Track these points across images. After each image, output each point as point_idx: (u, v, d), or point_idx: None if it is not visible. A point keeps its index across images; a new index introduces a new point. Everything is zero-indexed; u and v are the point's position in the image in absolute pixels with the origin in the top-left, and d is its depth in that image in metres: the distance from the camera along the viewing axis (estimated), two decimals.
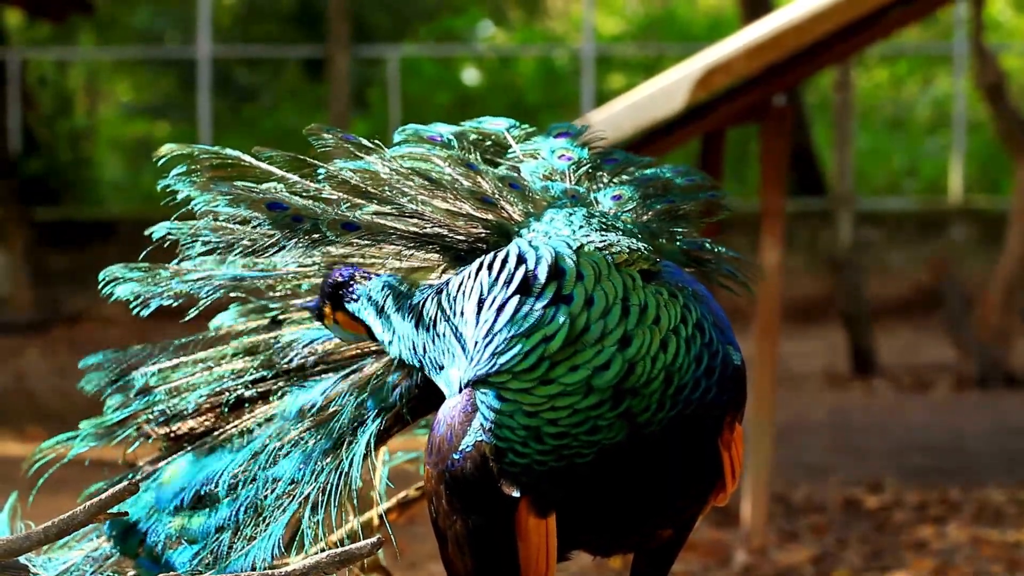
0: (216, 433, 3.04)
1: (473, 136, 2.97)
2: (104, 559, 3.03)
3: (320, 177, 2.77)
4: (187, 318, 2.98)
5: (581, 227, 2.66)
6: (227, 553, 2.86)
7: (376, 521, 3.09)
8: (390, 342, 2.76)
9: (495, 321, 2.54)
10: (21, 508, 3.20)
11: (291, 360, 3.03)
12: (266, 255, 2.82)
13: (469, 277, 2.62)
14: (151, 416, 3.10)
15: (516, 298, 2.53)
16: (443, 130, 2.96)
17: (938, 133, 20.95)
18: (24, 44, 20.92)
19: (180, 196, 2.80)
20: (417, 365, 2.72)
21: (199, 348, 3.10)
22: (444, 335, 2.64)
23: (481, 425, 2.57)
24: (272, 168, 2.79)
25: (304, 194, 2.77)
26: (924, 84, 22.27)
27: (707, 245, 2.96)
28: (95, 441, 3.16)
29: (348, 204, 2.76)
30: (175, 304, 2.93)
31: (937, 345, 13.64)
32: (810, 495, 7.87)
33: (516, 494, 2.58)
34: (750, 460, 6.49)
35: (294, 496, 2.84)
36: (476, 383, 2.56)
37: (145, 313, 2.94)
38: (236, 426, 3.03)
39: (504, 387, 2.52)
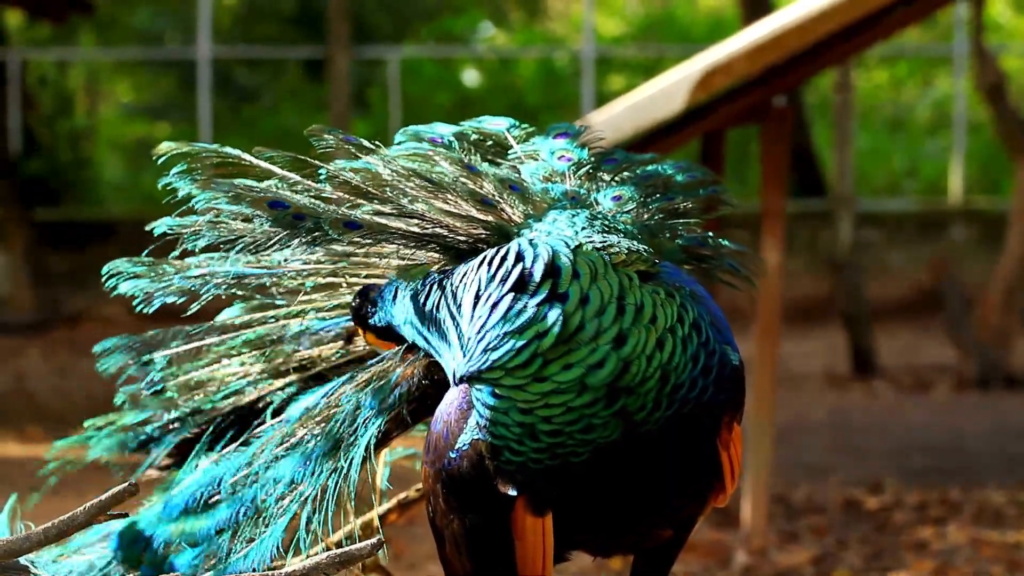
0: (224, 437, 3.05)
1: (474, 136, 2.97)
2: (106, 565, 3.03)
3: (321, 177, 2.77)
4: (188, 314, 2.98)
5: (584, 228, 2.67)
6: (227, 554, 2.86)
7: (376, 522, 3.09)
8: (402, 324, 2.77)
9: (488, 317, 2.54)
10: (22, 509, 3.20)
11: (299, 353, 3.05)
12: (268, 253, 2.82)
13: (472, 270, 2.63)
14: (163, 418, 3.11)
15: (511, 295, 2.54)
16: (444, 131, 2.96)
17: (938, 134, 20.95)
18: (24, 44, 20.92)
19: (181, 194, 2.80)
20: (424, 346, 2.73)
21: (211, 335, 3.10)
22: (444, 322, 2.65)
23: (477, 423, 2.57)
24: (273, 167, 2.79)
25: (305, 193, 2.77)
26: (924, 85, 22.27)
27: (709, 240, 2.96)
28: (108, 445, 3.17)
29: (349, 204, 2.76)
30: (179, 301, 2.92)
31: (937, 346, 13.64)
32: (810, 496, 7.87)
33: (512, 493, 2.58)
34: (750, 461, 6.49)
35: (294, 498, 2.84)
36: (471, 379, 2.56)
37: (149, 310, 2.93)
38: (242, 430, 3.03)
39: (498, 383, 2.53)
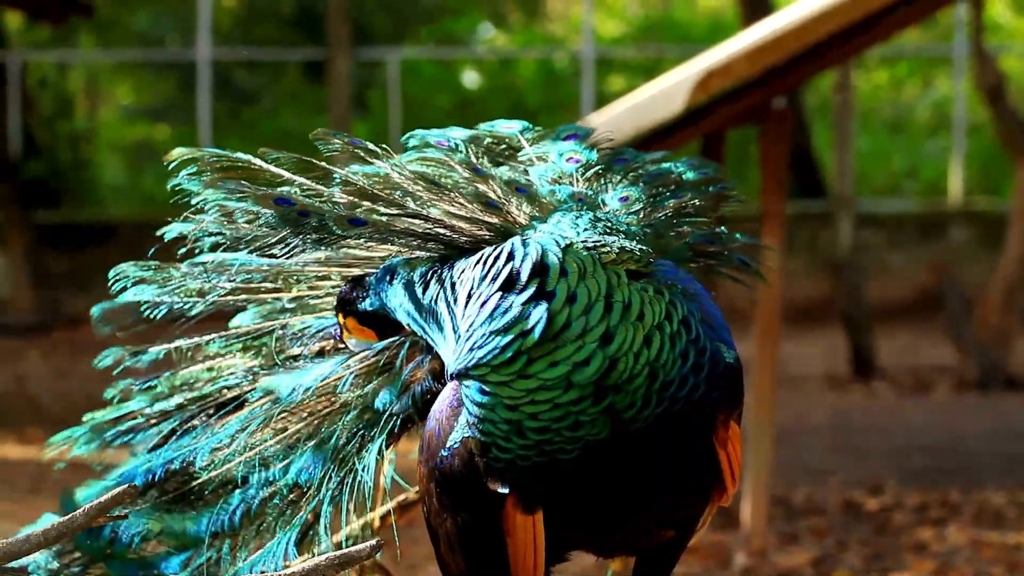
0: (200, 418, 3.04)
1: (488, 140, 2.99)
2: (67, 555, 3.02)
3: (336, 182, 2.77)
4: (193, 320, 2.98)
5: (585, 229, 2.67)
6: (231, 560, 2.86)
7: (376, 523, 3.10)
8: (397, 307, 2.77)
9: (477, 315, 2.56)
10: (21, 511, 3.20)
11: (297, 347, 3.05)
12: (273, 251, 2.83)
13: (468, 267, 2.64)
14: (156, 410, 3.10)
15: (498, 294, 2.55)
16: (458, 134, 2.97)
17: (938, 135, 20.94)
18: (24, 46, 20.92)
19: (189, 195, 2.80)
20: (419, 332, 2.74)
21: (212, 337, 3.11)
22: (442, 317, 2.66)
23: (467, 420, 2.58)
24: (283, 172, 2.79)
25: (316, 199, 2.77)
26: (924, 86, 22.27)
27: (720, 235, 2.96)
28: (97, 438, 3.16)
29: (355, 204, 2.76)
30: (185, 306, 2.92)
31: (937, 347, 13.64)
32: (810, 497, 7.87)
33: (502, 490, 2.58)
34: (750, 461, 6.49)
35: (303, 503, 2.84)
36: (459, 376, 2.58)
37: (157, 316, 2.93)
38: (216, 415, 3.03)
39: (484, 380, 2.54)
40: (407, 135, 2.97)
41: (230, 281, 2.98)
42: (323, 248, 2.88)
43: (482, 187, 2.78)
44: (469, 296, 2.60)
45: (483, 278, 2.60)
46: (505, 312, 2.54)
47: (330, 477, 2.84)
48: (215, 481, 2.91)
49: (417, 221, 2.75)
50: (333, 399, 2.90)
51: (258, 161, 2.80)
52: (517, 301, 2.54)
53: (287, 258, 2.90)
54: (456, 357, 2.59)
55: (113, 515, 2.59)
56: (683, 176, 2.99)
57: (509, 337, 2.52)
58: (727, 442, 2.65)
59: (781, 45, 5.54)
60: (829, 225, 14.65)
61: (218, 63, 20.01)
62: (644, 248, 2.66)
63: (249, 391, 3.02)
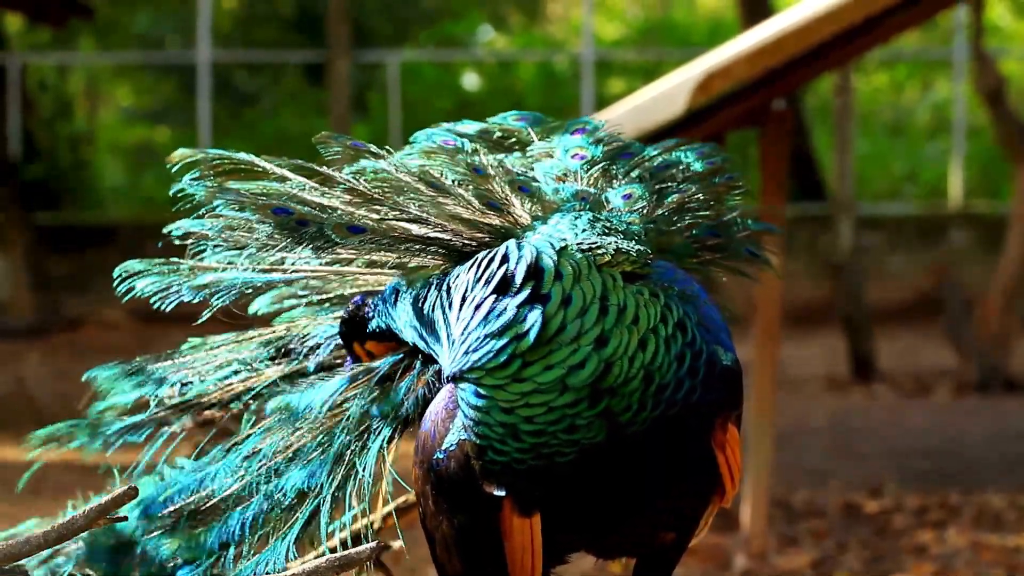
0: (217, 436, 3.04)
1: (497, 134, 2.97)
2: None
3: (339, 184, 2.76)
4: (199, 321, 2.97)
5: (584, 230, 2.66)
6: (234, 563, 2.86)
7: (377, 525, 3.09)
8: (403, 328, 2.77)
9: (471, 318, 2.56)
10: (21, 513, 3.20)
11: (307, 349, 3.04)
12: (271, 258, 2.82)
13: (464, 271, 2.63)
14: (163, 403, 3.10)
15: (492, 297, 2.55)
16: (467, 129, 2.95)
17: (938, 138, 20.95)
18: (24, 49, 20.92)
19: (192, 200, 2.79)
20: (424, 348, 2.74)
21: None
22: (438, 323, 2.65)
23: (462, 423, 2.58)
24: (285, 172, 2.79)
25: (314, 199, 2.76)
26: (924, 89, 22.27)
27: (729, 223, 2.95)
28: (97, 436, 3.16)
29: (355, 209, 2.75)
30: (194, 300, 2.90)
31: (937, 349, 13.63)
32: (810, 499, 7.87)
33: (498, 493, 2.58)
34: (750, 464, 6.48)
35: (304, 508, 2.83)
36: (455, 379, 2.57)
37: (167, 308, 2.89)
38: (239, 431, 3.02)
39: (479, 383, 2.53)
40: (414, 134, 2.96)
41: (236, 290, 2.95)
42: (323, 256, 2.86)
43: (484, 187, 2.77)
44: (464, 299, 2.60)
45: (477, 281, 2.59)
46: (500, 315, 2.53)
47: (332, 478, 2.84)
48: (228, 498, 2.90)
49: (416, 226, 2.74)
50: (341, 412, 2.90)
51: (261, 162, 2.79)
52: (512, 304, 2.53)
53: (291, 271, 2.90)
54: (451, 360, 2.58)
55: (113, 517, 2.59)
56: (690, 167, 2.97)
57: (504, 340, 2.52)
58: (725, 445, 2.64)
59: (781, 47, 5.54)
60: (829, 227, 14.63)
61: (218, 65, 20.01)
62: (641, 248, 2.65)
63: (261, 405, 3.01)
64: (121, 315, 16.21)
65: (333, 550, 2.85)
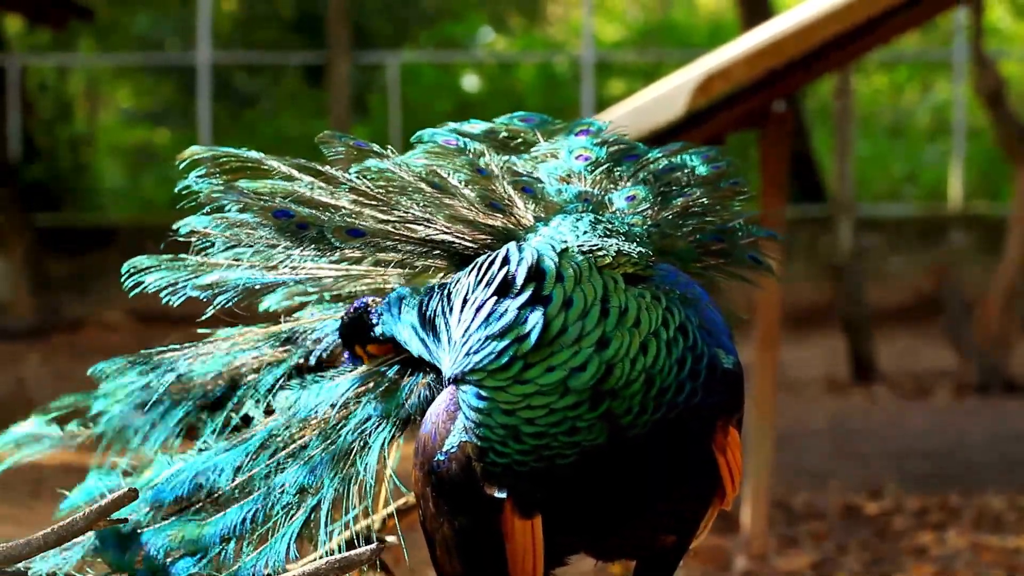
0: (222, 427, 3.04)
1: (503, 133, 2.97)
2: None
3: (344, 188, 2.76)
4: (203, 317, 2.97)
5: (585, 232, 2.66)
6: (233, 561, 2.85)
7: (377, 526, 3.09)
8: (408, 340, 2.77)
9: (472, 320, 2.56)
10: (21, 514, 3.20)
11: (311, 344, 3.04)
12: (273, 260, 2.82)
13: (465, 274, 2.63)
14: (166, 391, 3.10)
15: (493, 298, 2.55)
16: (473, 128, 2.95)
17: (938, 139, 20.95)
18: (24, 50, 20.93)
19: (197, 197, 2.79)
20: (428, 359, 2.73)
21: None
22: (439, 326, 2.65)
23: (463, 425, 2.57)
24: (293, 170, 2.79)
25: (319, 198, 2.76)
26: (924, 90, 22.27)
27: (732, 229, 2.94)
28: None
29: (355, 211, 2.75)
30: (202, 298, 2.89)
31: (937, 351, 13.63)
32: (810, 501, 7.87)
33: (499, 495, 2.58)
34: (750, 466, 6.48)
35: (304, 505, 2.83)
36: (456, 381, 2.57)
37: (176, 302, 2.88)
38: (244, 424, 3.02)
39: (480, 385, 2.53)
40: (419, 133, 2.95)
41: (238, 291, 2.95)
42: (324, 258, 2.86)
43: (487, 188, 2.77)
44: (465, 301, 2.59)
45: (478, 283, 2.59)
46: (501, 316, 2.53)
47: (333, 476, 2.84)
48: (232, 491, 2.90)
49: (418, 227, 2.74)
50: (346, 411, 2.89)
51: (269, 160, 2.79)
52: (513, 305, 2.53)
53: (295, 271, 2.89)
54: (452, 361, 2.58)
55: (114, 518, 2.59)
56: (695, 171, 2.96)
57: (505, 342, 2.52)
58: (726, 447, 2.64)
59: (781, 49, 5.54)
60: (829, 229, 14.63)
61: (218, 66, 20.01)
62: (643, 251, 2.64)
63: (267, 404, 3.01)
64: (121, 316, 16.21)
65: (333, 552, 2.85)
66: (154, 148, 21.38)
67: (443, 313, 2.65)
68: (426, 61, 21.42)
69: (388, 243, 2.76)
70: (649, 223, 2.82)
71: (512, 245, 2.61)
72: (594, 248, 2.60)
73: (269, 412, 3.00)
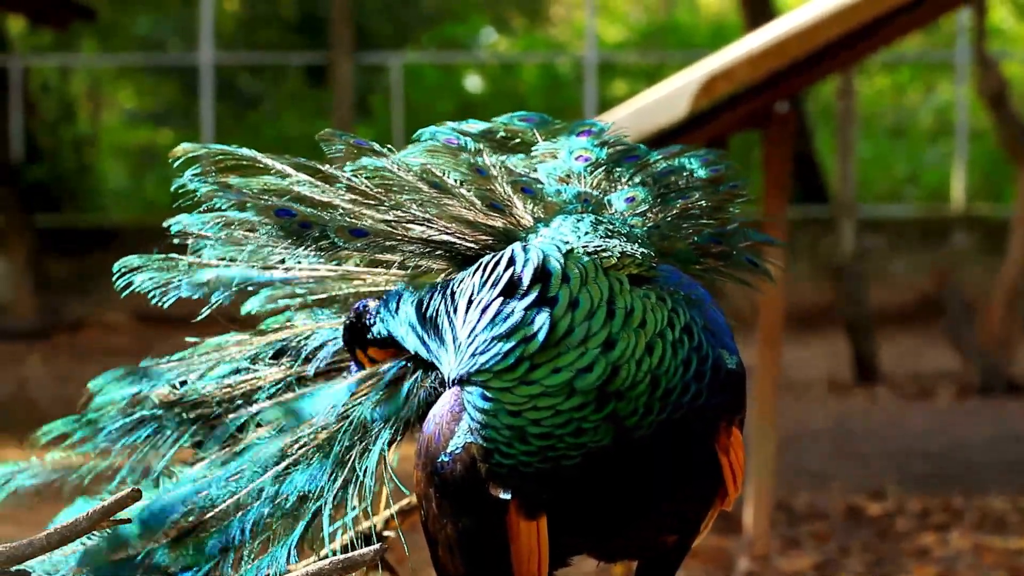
0: (222, 439, 3.03)
1: (501, 133, 2.96)
2: None
3: (341, 186, 2.76)
4: (198, 318, 2.96)
5: (586, 233, 2.65)
6: (235, 566, 2.85)
7: (380, 527, 3.09)
8: (405, 336, 2.77)
9: (478, 321, 2.55)
10: (23, 515, 3.19)
11: (308, 351, 3.03)
12: (273, 257, 2.81)
13: (468, 275, 2.63)
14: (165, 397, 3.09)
15: (499, 299, 2.54)
16: (472, 128, 2.94)
17: (940, 141, 20.95)
18: (26, 51, 20.94)
19: (193, 196, 2.78)
20: (425, 357, 2.73)
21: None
22: (442, 327, 2.65)
23: (468, 426, 2.57)
24: (287, 168, 2.78)
25: (317, 196, 2.76)
26: (926, 92, 22.27)
27: (731, 233, 2.94)
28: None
29: (357, 211, 2.75)
30: (195, 297, 2.89)
31: (939, 353, 13.63)
32: (812, 502, 7.87)
33: (504, 496, 2.57)
34: (752, 467, 6.48)
35: (305, 512, 2.82)
36: (461, 382, 2.57)
37: (166, 304, 2.88)
38: (243, 436, 3.01)
39: (486, 386, 2.53)
40: (417, 132, 2.94)
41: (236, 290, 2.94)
42: (325, 258, 2.85)
43: (486, 188, 2.76)
44: (470, 302, 2.59)
45: (483, 284, 2.58)
46: (507, 317, 2.53)
47: (333, 481, 2.83)
48: (230, 504, 2.89)
49: (418, 227, 2.73)
50: (345, 417, 2.89)
51: (264, 158, 2.79)
52: (519, 306, 2.53)
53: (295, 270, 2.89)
54: (457, 362, 2.58)
55: (116, 519, 2.58)
56: (694, 173, 2.96)
57: (512, 343, 2.51)
58: (729, 448, 2.64)
59: (784, 50, 5.54)
60: (831, 230, 14.64)
61: (220, 67, 20.02)
62: (646, 252, 2.64)
63: (264, 408, 3.00)
64: (122, 317, 16.21)
65: (336, 553, 2.84)
66: (156, 149, 21.38)
67: (446, 313, 2.65)
68: (428, 62, 21.43)
69: (389, 243, 2.76)
70: (649, 224, 2.82)
71: (517, 246, 2.61)
72: (599, 249, 2.60)
73: (266, 423, 2.99)
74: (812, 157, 18.30)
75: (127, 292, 2.87)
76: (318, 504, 2.82)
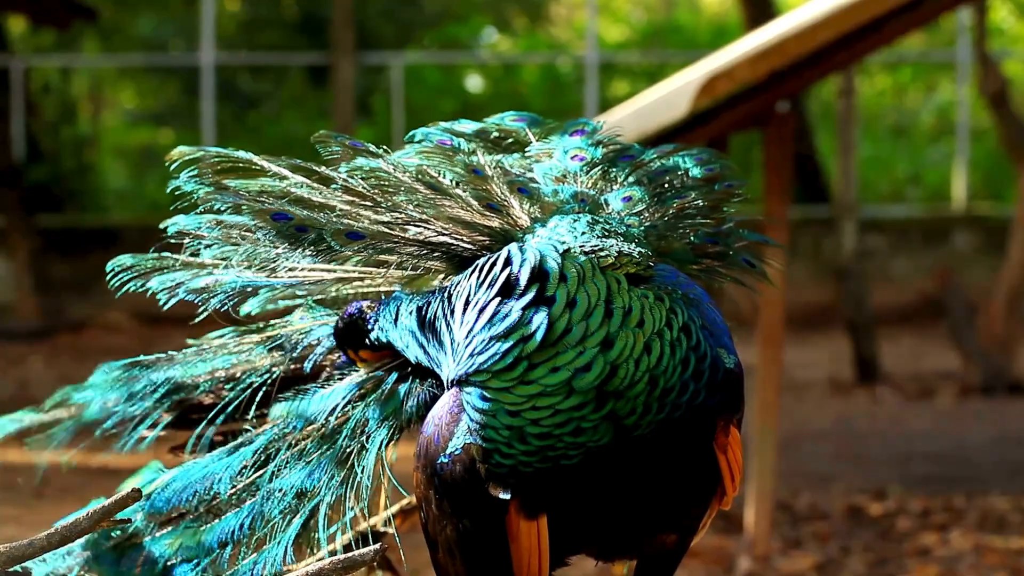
0: (221, 432, 3.03)
1: (495, 133, 2.96)
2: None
3: (336, 186, 2.75)
4: (197, 319, 2.96)
5: (583, 233, 2.65)
6: (229, 565, 2.85)
7: (380, 527, 3.09)
8: (406, 346, 2.77)
9: (476, 321, 2.55)
10: (25, 515, 3.19)
11: (303, 353, 3.04)
12: (270, 263, 2.81)
13: (466, 277, 2.63)
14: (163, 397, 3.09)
15: (497, 299, 2.54)
16: (465, 128, 2.94)
17: (941, 140, 20.95)
18: (28, 51, 20.94)
19: (190, 198, 2.78)
20: (427, 364, 2.73)
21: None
22: (440, 329, 2.65)
23: (468, 426, 2.57)
24: (284, 170, 2.78)
25: (313, 198, 2.75)
26: (927, 91, 22.28)
27: (727, 232, 2.94)
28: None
29: (353, 213, 2.74)
30: (195, 299, 2.88)
31: (941, 353, 13.63)
32: (814, 503, 7.87)
33: (504, 496, 2.57)
34: (754, 467, 6.48)
35: (303, 508, 2.83)
36: (460, 382, 2.57)
37: (169, 304, 2.87)
38: (240, 429, 3.02)
39: (485, 386, 2.53)
40: (410, 134, 2.94)
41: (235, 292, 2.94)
42: (323, 261, 2.84)
43: (483, 188, 2.76)
44: (467, 303, 2.59)
45: (480, 284, 2.58)
46: (505, 317, 2.53)
47: (331, 479, 2.83)
48: (230, 498, 2.90)
49: (415, 228, 2.73)
50: (345, 416, 2.89)
51: (260, 160, 2.78)
52: (517, 306, 2.53)
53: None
54: (456, 363, 2.58)
55: (117, 519, 2.59)
56: (689, 173, 2.96)
57: (510, 343, 2.51)
58: (727, 447, 2.64)
59: (784, 50, 5.54)
60: (832, 231, 14.63)
61: (222, 68, 20.02)
62: (643, 251, 2.64)
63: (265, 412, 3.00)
64: (124, 318, 16.21)
65: (336, 553, 2.85)
66: (158, 149, 21.37)
67: (444, 316, 2.65)
68: (430, 62, 21.44)
69: (387, 245, 2.75)
70: (646, 224, 2.82)
71: (514, 246, 2.61)
72: (596, 248, 2.59)
73: (265, 418, 3.00)
74: (813, 157, 18.30)
75: (121, 292, 2.87)
76: (315, 502, 2.82)
